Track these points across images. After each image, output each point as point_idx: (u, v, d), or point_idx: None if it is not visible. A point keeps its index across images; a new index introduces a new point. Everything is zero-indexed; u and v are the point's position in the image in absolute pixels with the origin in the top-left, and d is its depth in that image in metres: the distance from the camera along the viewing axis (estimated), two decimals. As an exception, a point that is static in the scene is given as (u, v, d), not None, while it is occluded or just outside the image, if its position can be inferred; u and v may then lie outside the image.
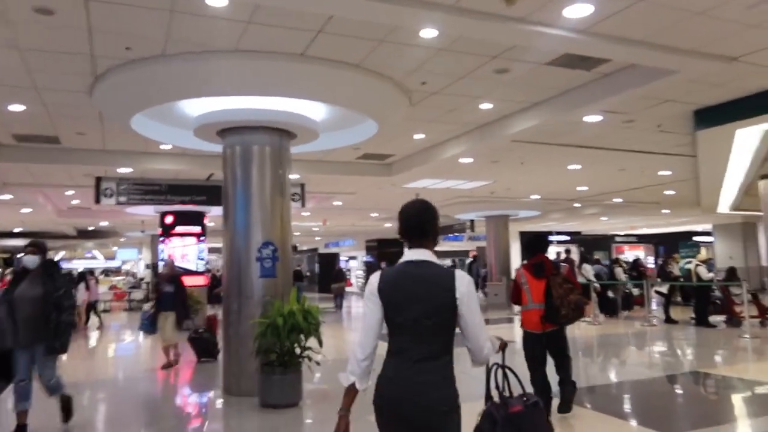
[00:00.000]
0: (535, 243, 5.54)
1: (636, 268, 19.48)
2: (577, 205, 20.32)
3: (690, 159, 11.18)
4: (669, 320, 13.47)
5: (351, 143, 8.57)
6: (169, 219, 14.63)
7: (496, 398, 2.72)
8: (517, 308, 6.22)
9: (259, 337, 6.06)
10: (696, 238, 37.75)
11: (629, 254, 32.95)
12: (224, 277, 7.16)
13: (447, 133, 9.24)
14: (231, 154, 7.19)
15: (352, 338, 12.95)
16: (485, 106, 7.67)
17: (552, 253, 20.61)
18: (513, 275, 20.97)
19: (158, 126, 7.89)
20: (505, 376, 2.75)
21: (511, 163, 11.18)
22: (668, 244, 35.32)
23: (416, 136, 9.36)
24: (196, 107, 7.01)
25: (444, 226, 23.82)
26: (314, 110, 7.22)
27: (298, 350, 6.18)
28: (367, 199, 15.97)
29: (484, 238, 32.71)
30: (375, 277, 2.43)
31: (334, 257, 35.13)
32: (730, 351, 10.05)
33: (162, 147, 9.58)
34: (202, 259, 15.10)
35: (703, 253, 13.37)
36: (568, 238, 34.35)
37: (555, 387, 5.44)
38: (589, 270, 14.52)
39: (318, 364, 6.49)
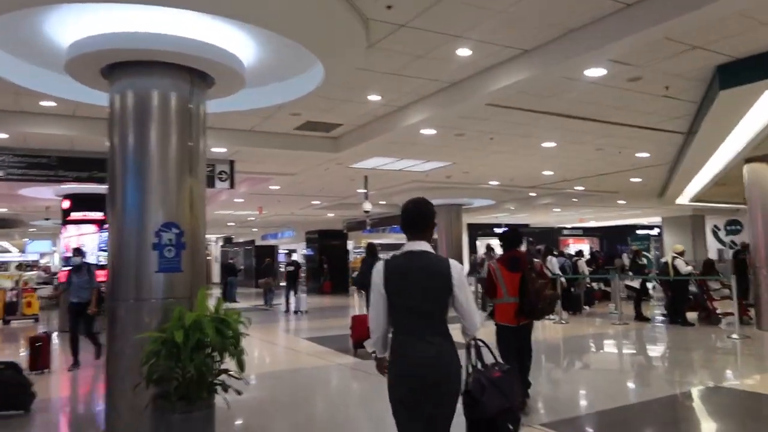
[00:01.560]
0: (511, 237, 5.57)
1: (595, 260, 18.50)
2: (533, 194, 19.08)
3: (675, 139, 9.91)
4: (640, 317, 12.29)
5: (290, 98, 6.68)
6: (66, 203, 12.25)
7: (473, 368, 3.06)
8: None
9: (150, 358, 4.14)
10: (640, 232, 37.85)
11: (573, 247, 32.34)
12: (108, 273, 5.15)
13: (409, 95, 7.50)
14: (120, 103, 5.18)
15: (288, 343, 11.09)
16: (463, 51, 5.97)
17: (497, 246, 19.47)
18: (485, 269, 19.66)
19: (21, 65, 5.77)
20: (479, 350, 3.07)
21: (478, 138, 9.56)
22: (613, 238, 35.13)
23: (371, 98, 7.58)
24: (71, 33, 4.97)
25: (390, 217, 22.17)
26: (238, 44, 5.32)
27: (210, 377, 4.30)
28: (309, 183, 14.07)
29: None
30: (378, 270, 2.85)
31: (272, 250, 32.91)
32: (728, 356, 8.80)
33: (43, 104, 7.40)
34: (104, 250, 12.74)
35: (678, 246, 12.19)
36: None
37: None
38: (555, 264, 13.19)
39: (239, 393, 4.60)
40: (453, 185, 15.06)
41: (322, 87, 6.32)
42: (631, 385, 7.15)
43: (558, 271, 13.09)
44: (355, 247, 32.71)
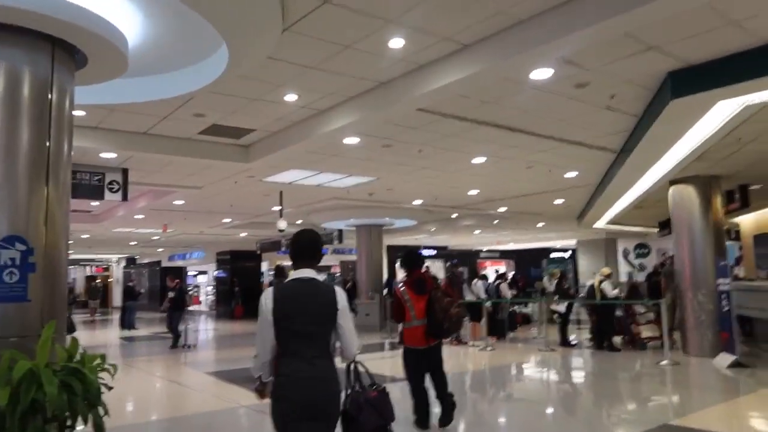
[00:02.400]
0: (412, 259, 5.59)
1: (516, 283, 18.19)
2: (455, 215, 18.64)
3: (607, 158, 9.58)
4: (566, 343, 11.85)
5: (188, 89, 5.58)
6: None
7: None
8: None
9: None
10: (554, 255, 38.72)
11: (490, 270, 32.40)
12: None
13: (332, 96, 6.58)
14: (-48, 77, 3.93)
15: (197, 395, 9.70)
16: (396, 42, 5.13)
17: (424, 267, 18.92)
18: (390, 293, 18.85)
19: None
20: (358, 372, 3.36)
21: (406, 151, 8.77)
22: (528, 260, 35.64)
23: (288, 97, 6.59)
24: None
25: (309, 237, 21.02)
26: (120, 14, 4.21)
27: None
28: (218, 198, 12.78)
29: (351, 252, 30.62)
30: (268, 296, 2.94)
31: (180, 271, 30.72)
32: (664, 386, 8.36)
33: None
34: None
35: (605, 270, 11.91)
36: (434, 252, 33.22)
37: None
38: (480, 287, 12.58)
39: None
40: (375, 204, 14.24)
41: (230, 80, 5.32)
42: (570, 423, 6.46)
43: (483, 295, 12.49)
44: (269, 269, 31.13)
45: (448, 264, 15.34)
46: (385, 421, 3.28)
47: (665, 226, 19.42)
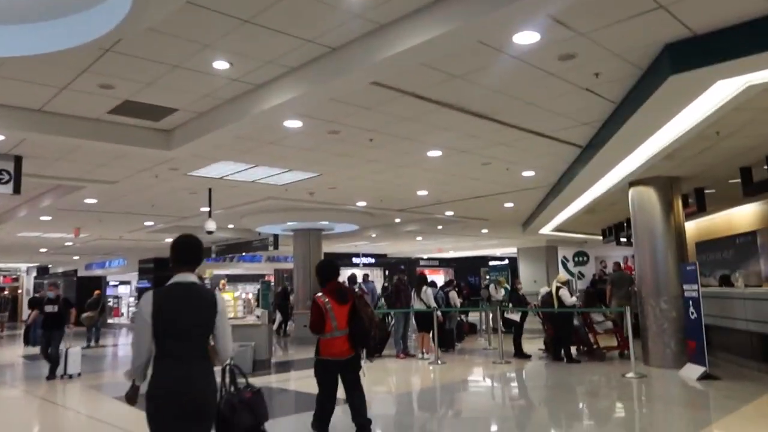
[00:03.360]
0: (329, 268, 5.43)
1: (460, 291, 17.47)
2: (398, 220, 17.74)
3: (570, 155, 8.88)
4: (521, 354, 11.09)
5: (80, 41, 4.33)
6: None
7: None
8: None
9: None
10: (492, 263, 38.60)
11: (429, 278, 31.73)
12: None
13: (271, 65, 5.45)
14: None
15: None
16: (354, -13, 4.10)
17: (359, 276, 17.92)
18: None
19: None
20: (233, 373, 3.59)
21: (355, 139, 7.72)
22: (466, 268, 35.27)
23: (217, 65, 5.41)
24: None
25: (242, 242, 19.57)
26: None
27: None
28: (136, 196, 11.29)
29: (287, 260, 29.15)
30: (147, 299, 2.98)
31: (99, 281, 28.33)
32: (640, 404, 7.64)
33: None
34: None
35: (562, 276, 11.22)
36: (373, 260, 32.28)
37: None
38: (430, 295, 11.63)
39: None
40: (315, 206, 13.10)
41: (140, 37, 4.12)
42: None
43: (434, 303, 11.56)
44: (199, 278, 29.19)
45: (394, 271, 14.31)
46: (258, 421, 3.46)
47: (610, 233, 19.28)
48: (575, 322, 10.92)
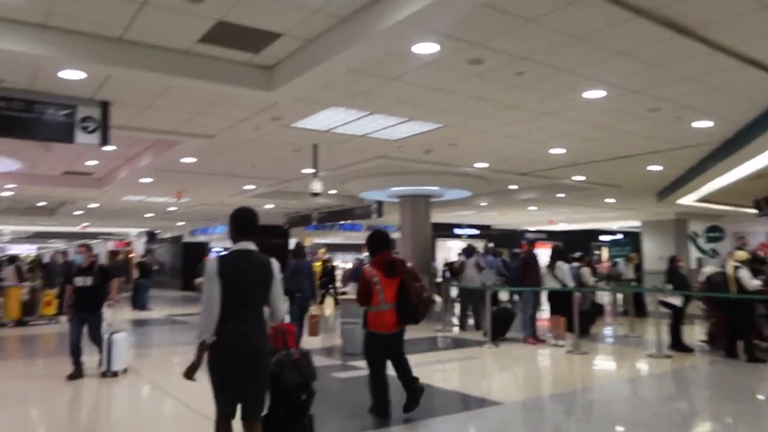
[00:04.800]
0: (380, 240, 5.32)
1: (592, 267, 15.42)
2: (514, 187, 15.89)
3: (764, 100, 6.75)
4: (680, 346, 9.09)
5: None
6: None
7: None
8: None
9: None
10: (603, 237, 35.60)
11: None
12: None
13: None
14: None
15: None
16: None
17: (456, 248, 16.08)
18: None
19: None
20: (284, 335, 3.81)
21: (499, 72, 6.05)
22: (575, 242, 32.67)
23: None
24: None
25: (344, 210, 18.47)
26: None
27: None
28: (237, 155, 10.25)
29: (387, 229, 28.04)
30: (213, 262, 3.32)
31: (203, 247, 28.59)
32: None
33: None
34: None
35: (741, 253, 9.01)
36: (477, 231, 30.47)
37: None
38: (566, 272, 9.85)
39: None
40: (427, 167, 11.55)
41: None
42: None
43: (570, 282, 9.77)
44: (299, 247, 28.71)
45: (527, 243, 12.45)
46: (305, 378, 3.76)
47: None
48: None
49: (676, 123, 8.11)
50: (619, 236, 33.18)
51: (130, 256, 34.62)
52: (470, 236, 29.78)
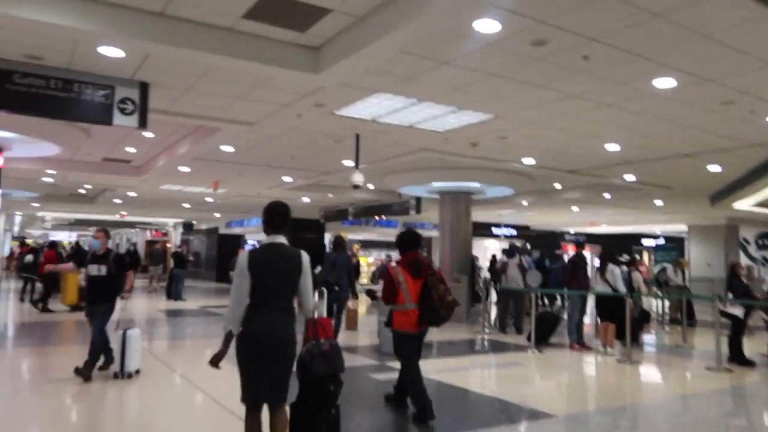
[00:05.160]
0: (409, 240, 5.31)
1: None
2: (558, 186, 15.30)
3: None
4: (741, 359, 8.45)
5: None
6: None
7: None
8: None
9: None
10: (645, 241, 34.45)
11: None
12: None
13: None
14: None
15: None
16: None
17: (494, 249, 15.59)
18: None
19: None
20: (315, 327, 3.72)
21: (563, 55, 5.57)
22: (614, 246, 31.67)
23: None
24: None
25: (381, 205, 18.12)
26: None
27: None
28: (277, 144, 9.97)
29: (424, 226, 27.55)
30: (244, 255, 3.45)
31: (238, 239, 28.64)
32: None
33: None
34: None
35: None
36: (515, 232, 29.77)
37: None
38: (617, 275, 9.26)
39: None
40: (471, 162, 11.09)
41: None
42: None
43: (622, 286, 9.19)
44: (332, 241, 28.46)
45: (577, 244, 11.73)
46: (334, 369, 3.67)
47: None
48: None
49: (748, 118, 7.48)
50: (662, 241, 32.09)
51: (167, 246, 34.99)
52: (507, 236, 29.12)
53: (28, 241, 31.22)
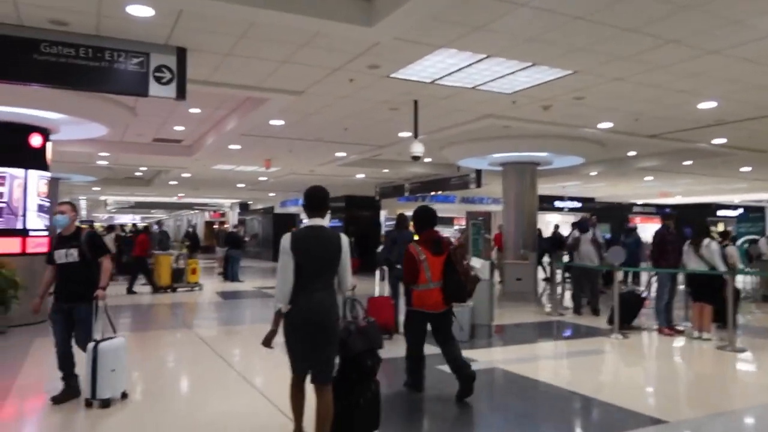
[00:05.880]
0: (426, 217, 5.23)
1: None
2: (632, 153, 14.05)
3: None
4: None
5: None
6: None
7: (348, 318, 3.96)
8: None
9: None
10: (721, 212, 32.22)
11: (647, 228, 26.80)
12: None
13: None
14: None
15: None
16: None
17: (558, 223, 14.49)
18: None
19: None
20: (354, 305, 4.03)
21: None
22: (686, 218, 29.71)
23: None
24: None
25: (439, 179, 17.23)
26: None
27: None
28: (328, 114, 9.26)
29: (482, 201, 26.53)
30: (287, 238, 3.60)
31: (293, 218, 28.38)
32: None
33: None
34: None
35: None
36: (579, 204, 28.29)
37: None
38: (715, 251, 8.11)
39: None
40: (541, 129, 10.07)
41: None
42: None
43: (721, 264, 8.06)
44: (387, 218, 27.66)
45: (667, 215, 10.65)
46: (371, 345, 3.86)
47: None
48: None
49: None
50: (739, 210, 29.84)
51: (225, 226, 35.29)
52: (571, 209, 27.70)
53: (96, 225, 32.00)
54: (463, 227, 25.74)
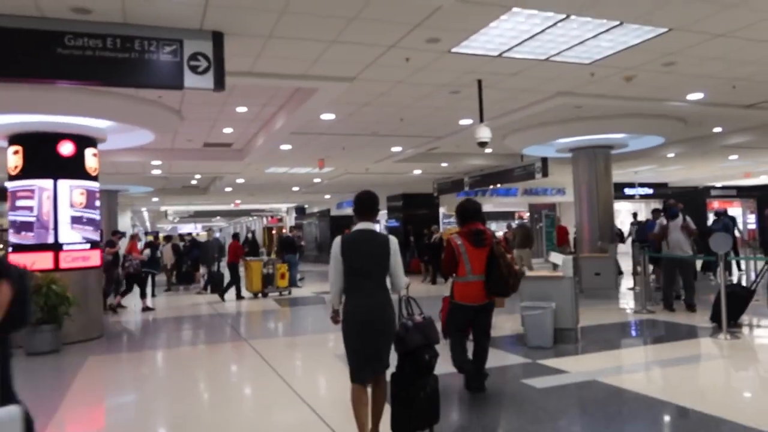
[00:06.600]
0: (470, 210, 5.15)
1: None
2: (718, 129, 12.67)
3: None
4: None
5: None
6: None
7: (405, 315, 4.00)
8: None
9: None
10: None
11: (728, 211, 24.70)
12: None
13: None
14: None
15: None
16: None
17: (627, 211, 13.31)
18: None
19: None
20: (409, 303, 4.03)
21: None
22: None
23: None
24: None
25: (501, 171, 16.20)
26: None
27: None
28: (381, 104, 8.52)
29: (546, 192, 25.19)
30: (337, 242, 3.74)
31: (349, 221, 27.84)
32: None
33: None
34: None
35: None
36: (651, 191, 26.53)
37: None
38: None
39: None
40: (619, 106, 9.02)
41: None
42: None
43: None
44: (446, 215, 26.68)
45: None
46: (428, 341, 3.87)
47: None
48: None
49: None
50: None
51: (283, 231, 35.24)
52: (643, 196, 25.98)
53: (149, 237, 32.50)
54: (521, 221, 24.51)
